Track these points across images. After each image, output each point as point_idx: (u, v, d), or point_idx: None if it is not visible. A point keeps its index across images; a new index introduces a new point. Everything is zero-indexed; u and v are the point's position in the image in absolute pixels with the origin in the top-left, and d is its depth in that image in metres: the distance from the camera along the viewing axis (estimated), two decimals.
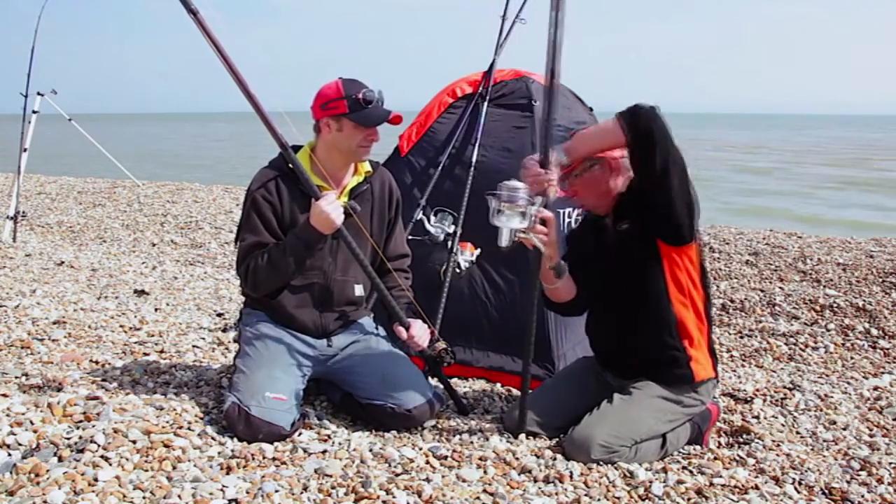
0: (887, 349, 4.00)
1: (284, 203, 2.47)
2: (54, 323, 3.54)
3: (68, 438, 2.03)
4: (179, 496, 1.80)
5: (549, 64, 2.18)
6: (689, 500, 2.08)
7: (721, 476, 2.24)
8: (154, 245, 6.64)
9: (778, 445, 2.55)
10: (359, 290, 2.63)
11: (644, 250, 2.38)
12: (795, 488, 2.23)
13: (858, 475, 2.36)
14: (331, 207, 2.35)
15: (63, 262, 5.40)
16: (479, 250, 3.19)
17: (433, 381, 2.72)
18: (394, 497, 1.90)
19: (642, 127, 2.16)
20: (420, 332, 2.57)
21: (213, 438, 2.22)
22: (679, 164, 2.21)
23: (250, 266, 2.43)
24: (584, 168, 2.41)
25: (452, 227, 3.18)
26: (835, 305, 4.56)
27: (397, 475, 2.07)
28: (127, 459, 1.94)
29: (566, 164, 2.32)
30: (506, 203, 2.20)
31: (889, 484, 2.30)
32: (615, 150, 2.39)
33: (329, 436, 2.36)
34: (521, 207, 2.20)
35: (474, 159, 3.31)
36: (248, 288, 2.52)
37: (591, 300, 2.61)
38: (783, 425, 2.80)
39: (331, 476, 2.01)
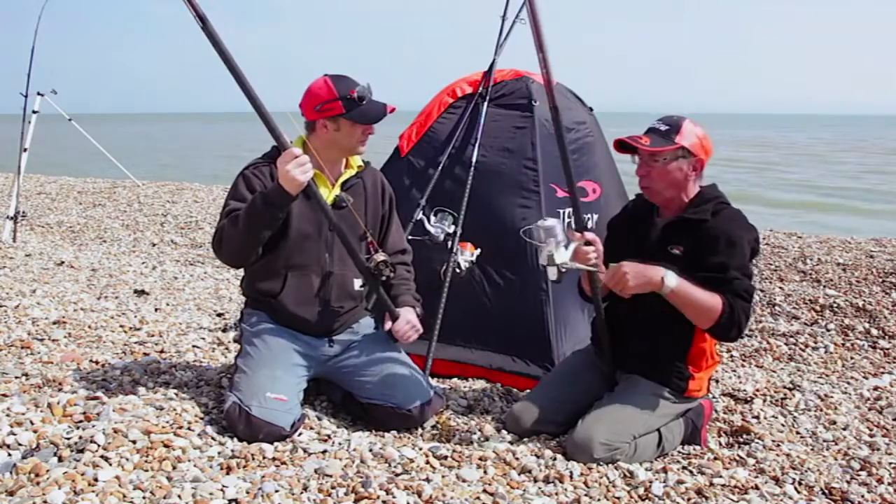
0: (887, 349, 4.00)
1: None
2: (54, 323, 3.54)
3: (68, 438, 2.03)
4: (179, 496, 1.80)
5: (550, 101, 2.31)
6: (689, 500, 2.08)
7: (721, 476, 2.25)
8: (154, 245, 6.64)
9: (778, 445, 2.56)
10: (358, 284, 2.63)
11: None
12: (795, 488, 2.23)
13: (858, 475, 2.37)
14: (293, 164, 2.20)
15: (63, 262, 5.40)
16: (479, 250, 3.18)
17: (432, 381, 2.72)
18: (394, 497, 1.90)
19: (734, 336, 2.31)
20: (403, 326, 2.54)
21: (213, 438, 2.21)
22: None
23: (223, 227, 2.34)
24: (673, 156, 2.35)
25: (452, 227, 3.17)
26: (835, 305, 4.55)
27: (397, 475, 2.07)
28: (127, 459, 1.94)
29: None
30: (544, 243, 2.33)
31: (889, 484, 2.30)
32: (703, 154, 2.39)
33: (329, 436, 2.36)
34: (561, 242, 2.33)
35: (474, 159, 3.31)
36: (216, 250, 2.41)
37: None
38: (783, 425, 2.80)
39: (331, 476, 2.01)
